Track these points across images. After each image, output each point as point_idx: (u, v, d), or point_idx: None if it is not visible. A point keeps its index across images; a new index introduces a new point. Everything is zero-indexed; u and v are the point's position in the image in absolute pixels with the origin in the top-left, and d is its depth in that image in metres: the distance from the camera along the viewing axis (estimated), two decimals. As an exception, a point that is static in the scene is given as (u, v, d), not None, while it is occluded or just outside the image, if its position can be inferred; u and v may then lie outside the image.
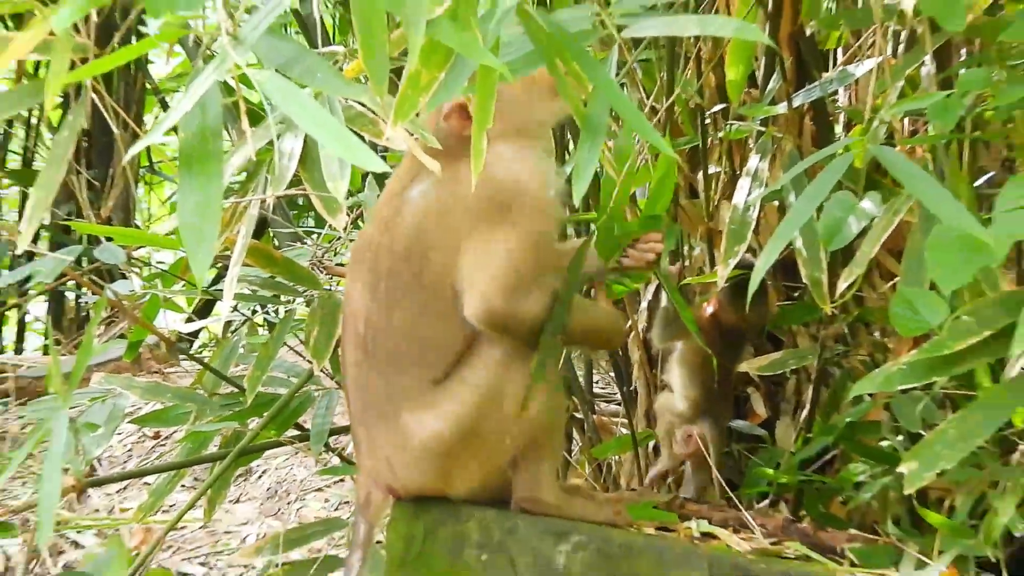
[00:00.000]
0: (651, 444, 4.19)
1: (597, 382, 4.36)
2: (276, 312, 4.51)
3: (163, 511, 4.66)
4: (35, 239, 4.23)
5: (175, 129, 2.61)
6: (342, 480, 5.00)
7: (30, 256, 6.39)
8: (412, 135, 2.73)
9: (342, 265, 4.34)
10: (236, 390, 4.04)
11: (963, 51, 3.76)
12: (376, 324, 3.19)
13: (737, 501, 3.52)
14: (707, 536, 3.37)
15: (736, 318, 3.85)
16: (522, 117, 3.23)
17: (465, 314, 3.12)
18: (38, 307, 7.61)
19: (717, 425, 3.90)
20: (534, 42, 2.70)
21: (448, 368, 3.16)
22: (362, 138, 3.57)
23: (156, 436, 5.64)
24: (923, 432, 3.31)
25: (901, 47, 3.75)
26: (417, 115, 2.61)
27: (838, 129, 4.14)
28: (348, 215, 3.53)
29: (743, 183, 3.78)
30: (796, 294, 4.11)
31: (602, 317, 3.35)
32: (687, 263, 4.15)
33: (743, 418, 4.13)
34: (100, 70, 2.61)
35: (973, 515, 3.29)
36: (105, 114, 3.97)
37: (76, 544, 4.97)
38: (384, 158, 3.94)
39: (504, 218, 3.11)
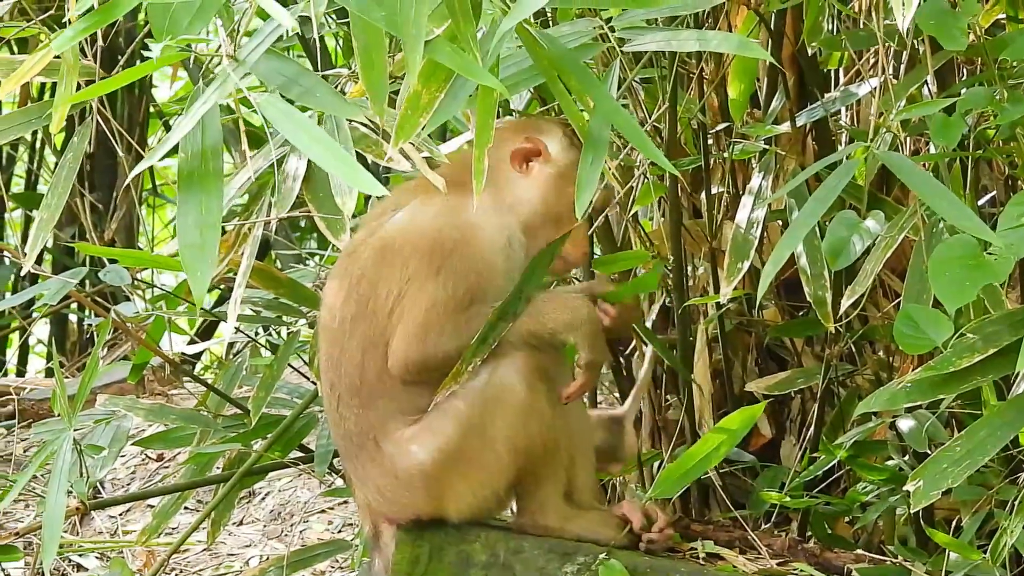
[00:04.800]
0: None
1: (600, 403, 4.32)
2: (279, 333, 4.50)
3: (166, 533, 4.62)
4: (39, 261, 4.22)
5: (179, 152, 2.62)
6: (346, 502, 4.97)
7: (34, 279, 6.38)
8: (421, 152, 2.73)
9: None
10: (240, 411, 4.01)
11: (964, 70, 3.76)
12: (333, 352, 3.18)
13: (743, 521, 3.51)
14: (713, 557, 3.35)
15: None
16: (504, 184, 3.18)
17: (388, 363, 3.11)
18: (40, 330, 7.60)
19: None
20: (533, 58, 2.71)
21: (412, 398, 3.13)
22: (365, 160, 3.56)
23: (159, 458, 5.62)
24: (929, 451, 3.30)
25: (902, 67, 3.75)
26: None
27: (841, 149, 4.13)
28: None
29: (746, 201, 3.77)
30: (800, 313, 4.10)
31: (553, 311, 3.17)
32: (690, 283, 4.13)
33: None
34: (105, 90, 2.62)
35: (980, 534, 3.29)
36: (109, 136, 3.98)
37: (79, 567, 4.91)
38: (387, 180, 3.93)
39: (437, 270, 3.08)
